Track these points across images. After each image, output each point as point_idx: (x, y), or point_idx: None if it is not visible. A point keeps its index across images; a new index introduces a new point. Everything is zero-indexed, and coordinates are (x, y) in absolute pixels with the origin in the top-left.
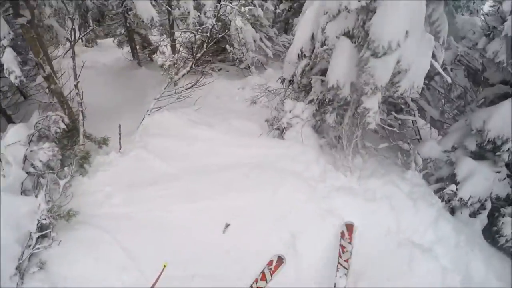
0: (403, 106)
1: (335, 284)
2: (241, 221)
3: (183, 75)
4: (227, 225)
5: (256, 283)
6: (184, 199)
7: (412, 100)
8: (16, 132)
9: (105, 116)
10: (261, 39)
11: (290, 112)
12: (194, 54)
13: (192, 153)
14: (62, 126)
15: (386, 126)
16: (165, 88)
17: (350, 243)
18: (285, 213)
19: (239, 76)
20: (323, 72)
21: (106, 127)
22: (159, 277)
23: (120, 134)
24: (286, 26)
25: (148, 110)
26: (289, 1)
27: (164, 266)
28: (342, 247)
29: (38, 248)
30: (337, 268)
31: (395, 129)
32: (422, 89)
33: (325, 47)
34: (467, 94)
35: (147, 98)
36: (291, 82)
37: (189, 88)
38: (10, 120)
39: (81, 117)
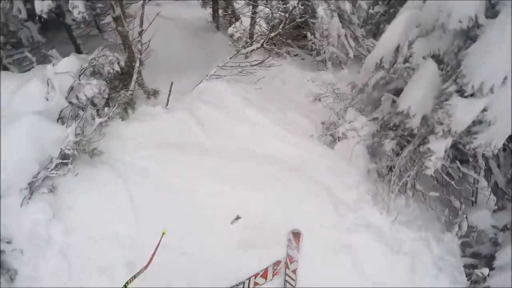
0: (470, 159)
1: None
2: (254, 220)
3: (251, 50)
4: (237, 218)
5: (255, 278)
6: (209, 176)
7: (483, 156)
8: (70, 63)
9: (166, 69)
10: (346, 36)
11: (349, 123)
12: (268, 32)
13: (235, 132)
14: (116, 68)
15: (444, 174)
16: (230, 58)
17: (298, 251)
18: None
19: (313, 68)
20: (398, 92)
21: (163, 80)
22: (158, 245)
23: (170, 91)
24: (376, 31)
25: (207, 75)
26: (384, 5)
27: (163, 233)
28: (289, 257)
29: (55, 173)
30: (285, 280)
31: (453, 182)
32: None
33: (407, 64)
34: None
35: (214, 63)
36: (361, 91)
37: (255, 65)
38: (78, 49)
39: (137, 64)
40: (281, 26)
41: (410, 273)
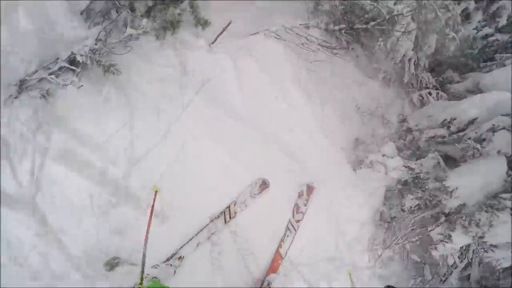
0: None
1: (280, 242)
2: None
3: (326, 29)
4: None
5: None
6: (224, 146)
7: None
8: None
9: (226, 3)
10: (409, 60)
11: (382, 156)
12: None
13: (274, 110)
14: None
15: None
16: (300, 24)
17: (306, 205)
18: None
19: (364, 70)
20: (447, 158)
21: (217, 7)
22: (153, 207)
23: (224, 30)
24: (435, 67)
25: (267, 29)
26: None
27: (156, 191)
28: (297, 206)
29: (55, 79)
30: (287, 227)
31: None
32: None
33: (478, 145)
34: None
35: (278, 15)
36: (409, 130)
37: (324, 46)
38: None
39: None
40: (372, 23)
41: None
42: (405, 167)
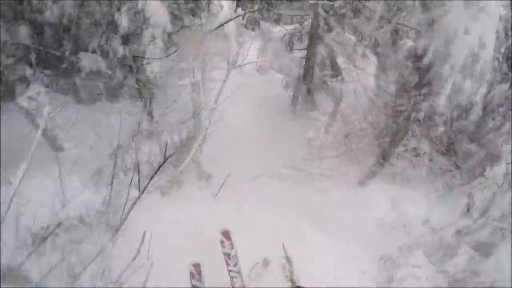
0: None
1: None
2: None
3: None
4: None
5: None
6: None
7: None
8: (127, 120)
9: (226, 145)
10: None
11: (412, 267)
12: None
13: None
14: (176, 139)
15: None
16: (301, 159)
17: (233, 248)
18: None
19: (381, 180)
20: (480, 247)
21: (218, 158)
22: None
23: (224, 182)
24: (447, 148)
25: (270, 170)
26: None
27: None
28: (227, 255)
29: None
30: (230, 276)
31: None
32: None
33: (504, 224)
34: None
35: (279, 153)
36: (434, 231)
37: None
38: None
39: (199, 141)
40: (366, 141)
41: None
42: (439, 272)
